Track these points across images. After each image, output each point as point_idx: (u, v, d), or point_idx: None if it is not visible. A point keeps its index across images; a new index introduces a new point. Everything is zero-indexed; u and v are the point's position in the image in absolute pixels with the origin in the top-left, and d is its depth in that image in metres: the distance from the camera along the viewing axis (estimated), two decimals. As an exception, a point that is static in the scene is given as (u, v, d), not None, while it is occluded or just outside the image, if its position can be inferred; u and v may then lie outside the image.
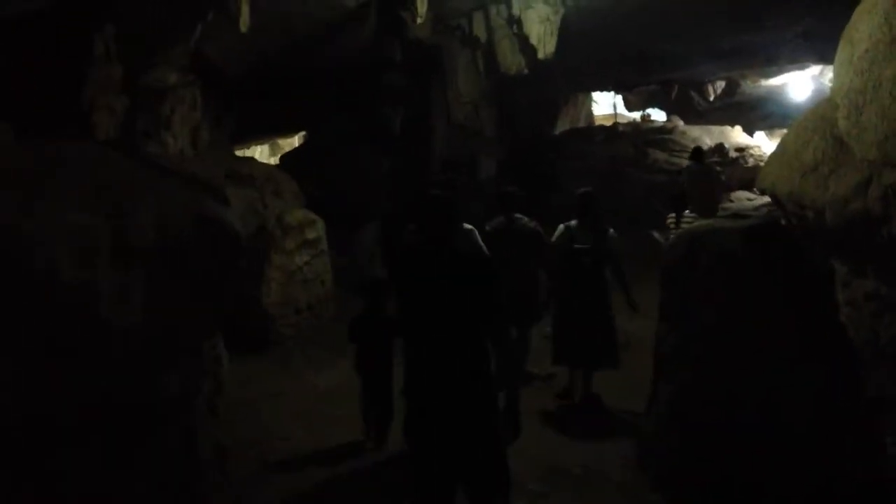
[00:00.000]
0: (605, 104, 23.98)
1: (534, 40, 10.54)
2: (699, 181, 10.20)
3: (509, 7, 10.73)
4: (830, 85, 17.12)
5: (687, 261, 3.85)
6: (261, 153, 22.34)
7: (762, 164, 16.49)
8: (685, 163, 15.30)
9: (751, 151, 16.14)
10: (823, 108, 5.91)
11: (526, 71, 11.22)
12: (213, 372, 4.45)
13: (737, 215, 4.66)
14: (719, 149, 16.15)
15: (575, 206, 6.00)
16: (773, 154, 6.30)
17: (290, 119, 15.37)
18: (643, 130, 17.51)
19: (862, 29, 5.66)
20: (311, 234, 8.55)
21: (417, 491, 3.17)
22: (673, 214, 7.82)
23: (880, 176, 5.11)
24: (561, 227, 6.00)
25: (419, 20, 10.07)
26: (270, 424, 5.71)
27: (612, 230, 5.98)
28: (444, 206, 3.28)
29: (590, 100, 20.38)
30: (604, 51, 11.73)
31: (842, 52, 5.96)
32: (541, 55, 10.63)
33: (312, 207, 9.32)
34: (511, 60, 11.09)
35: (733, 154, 15.95)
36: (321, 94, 12.94)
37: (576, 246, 5.80)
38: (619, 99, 23.04)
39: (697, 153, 10.88)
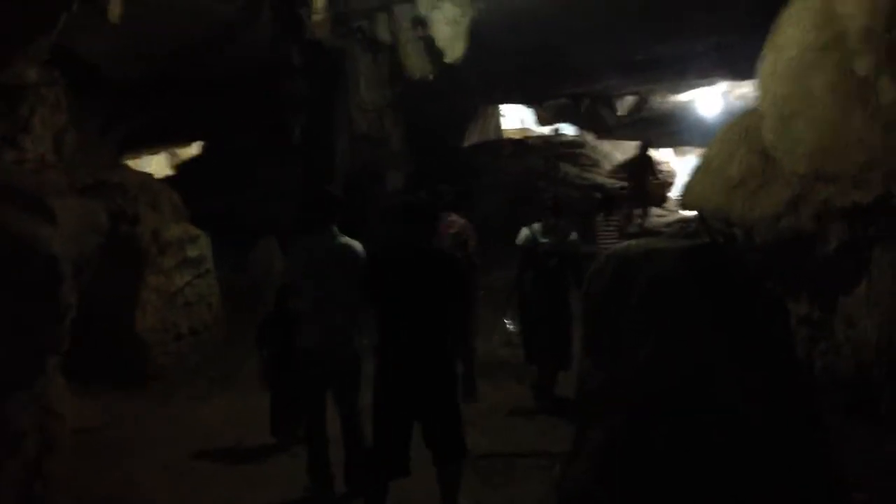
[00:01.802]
0: (514, 118, 23.79)
1: (441, 43, 10.04)
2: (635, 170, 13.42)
3: (414, 7, 10.17)
4: (737, 102, 17.44)
5: (616, 288, 3.33)
6: (157, 164, 21.07)
7: (671, 180, 16.71)
8: (597, 178, 15.30)
9: (661, 167, 16.15)
10: (748, 119, 5.61)
11: (432, 76, 10.69)
12: (41, 424, 3.66)
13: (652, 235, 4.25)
14: (629, 164, 16.09)
15: (544, 210, 6.35)
16: (697, 168, 5.97)
17: (187, 128, 14.56)
18: (554, 144, 17.38)
19: (789, 35, 5.37)
20: (192, 252, 7.75)
21: (379, 436, 3.84)
22: (602, 213, 8.88)
23: (812, 191, 4.77)
24: (524, 229, 6.25)
25: (315, 17, 9.37)
26: (131, 481, 4.86)
27: (574, 233, 6.26)
28: (427, 211, 4.08)
29: (499, 112, 20.08)
30: (514, 58, 11.34)
31: (767, 58, 5.67)
32: (448, 59, 10.12)
33: (206, 222, 8.52)
34: (417, 65, 10.52)
35: (643, 169, 15.88)
36: (219, 101, 12.17)
37: (542, 244, 6.07)
38: (529, 114, 22.91)
39: (642, 146, 13.90)
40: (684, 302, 3.10)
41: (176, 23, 9.38)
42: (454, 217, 6.33)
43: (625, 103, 18.53)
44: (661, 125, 19.70)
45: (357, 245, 4.62)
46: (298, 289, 4.73)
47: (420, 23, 10.36)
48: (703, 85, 15.55)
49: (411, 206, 4.10)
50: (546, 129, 21.40)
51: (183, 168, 16.24)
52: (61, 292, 3.63)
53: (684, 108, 18.54)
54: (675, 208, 13.75)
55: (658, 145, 18.87)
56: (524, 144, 17.21)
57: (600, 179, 15.10)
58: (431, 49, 10.46)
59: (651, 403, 3.29)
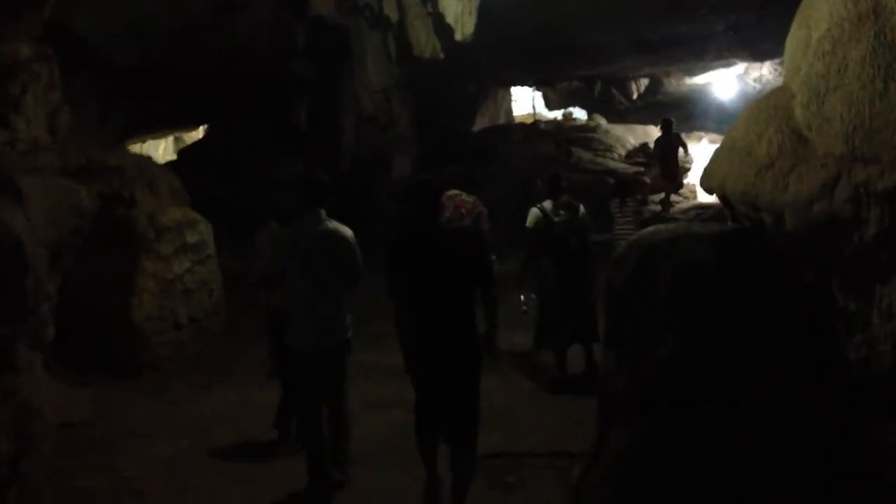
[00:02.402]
0: (524, 103, 23.42)
1: (450, 19, 9.71)
2: (663, 152, 12.34)
3: (423, -18, 9.85)
4: (755, 84, 17.05)
5: (641, 277, 3.04)
6: (164, 149, 20.84)
7: (686, 165, 16.34)
8: (610, 163, 14.94)
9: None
10: (777, 96, 5.24)
11: (442, 55, 10.35)
12: (17, 422, 3.38)
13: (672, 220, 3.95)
14: (644, 148, 15.74)
15: (545, 189, 6.25)
16: (720, 150, 5.59)
17: (190, 112, 14.27)
18: (565, 129, 17.01)
19: (821, 7, 5.01)
20: (192, 237, 7.49)
21: (418, 414, 3.98)
22: (617, 200, 8.39)
23: (849, 173, 4.43)
24: (534, 209, 6.09)
25: (320, -10, 9.05)
26: (118, 477, 4.61)
27: (582, 207, 6.19)
28: (431, 189, 4.02)
29: (509, 96, 19.74)
30: (525, 37, 10.96)
31: (796, 33, 5.31)
32: (458, 36, 9.79)
33: (208, 208, 8.28)
34: (425, 43, 10.19)
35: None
36: (222, 85, 11.87)
37: (558, 223, 5.94)
38: (538, 97, 22.54)
39: (666, 124, 12.48)
40: (715, 292, 2.80)
41: (175, 3, 9.09)
42: (465, 196, 6.20)
43: (638, 86, 18.17)
44: (677, 109, 19.31)
45: (346, 230, 4.44)
46: (283, 277, 4.47)
47: (429, -2, 10.01)
48: (719, 67, 15.15)
49: (412, 186, 4.14)
50: (557, 114, 21.04)
51: (185, 153, 15.93)
52: (27, 278, 3.33)
53: (700, 91, 18.16)
54: (691, 194, 13.35)
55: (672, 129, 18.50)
56: (535, 129, 16.87)
57: (613, 164, 14.75)
58: (441, 26, 10.13)
59: (677, 405, 3.02)
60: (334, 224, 4.43)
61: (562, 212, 6.05)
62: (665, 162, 12.63)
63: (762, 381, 2.66)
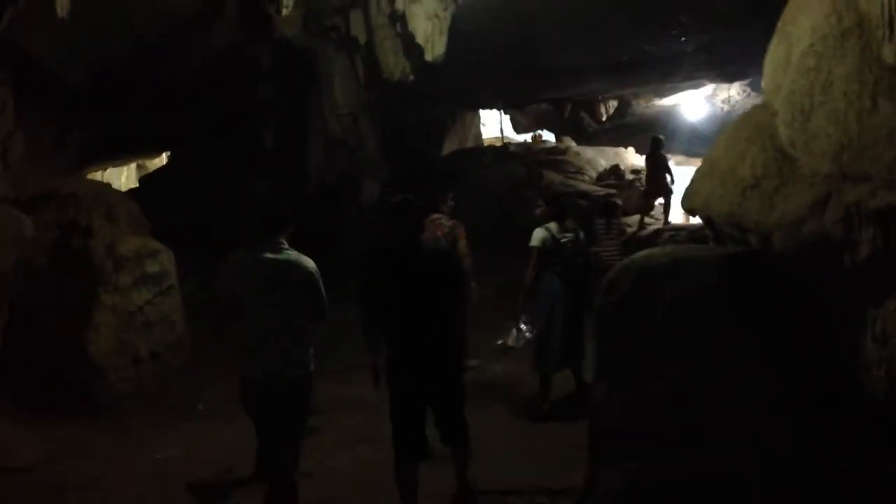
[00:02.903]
0: (492, 126, 23.37)
1: (420, 40, 9.54)
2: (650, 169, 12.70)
3: (392, 2, 9.63)
4: (723, 106, 17.13)
5: (637, 303, 2.84)
6: (127, 178, 20.32)
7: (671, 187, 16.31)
8: (581, 185, 14.87)
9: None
10: (758, 114, 5.15)
11: (411, 77, 10.17)
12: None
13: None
14: (615, 170, 15.71)
15: (550, 211, 6.37)
16: (701, 170, 5.48)
17: (152, 137, 13.86)
18: (535, 151, 16.95)
19: (802, 23, 4.93)
20: (152, 267, 7.18)
21: (397, 435, 4.03)
22: (603, 221, 8.56)
23: (839, 193, 4.30)
24: (539, 230, 6.15)
25: (285, 11, 8.79)
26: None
27: (581, 232, 6.45)
28: (415, 210, 4.23)
29: (478, 119, 19.66)
30: (496, 59, 10.86)
31: (776, 50, 5.23)
32: (429, 57, 9.61)
33: (171, 236, 7.99)
34: (395, 64, 10.00)
35: (629, 176, 15.52)
36: (184, 108, 11.55)
37: (564, 243, 6.08)
38: (506, 120, 22.49)
39: (655, 143, 12.70)
40: (722, 321, 2.61)
41: (130, 19, 8.84)
42: (443, 220, 6.45)
43: (607, 108, 18.20)
44: (645, 130, 19.39)
45: (307, 262, 4.26)
46: (241, 310, 4.24)
47: (398, 19, 9.80)
48: (689, 87, 15.20)
49: (399, 205, 4.27)
50: (526, 137, 20.99)
51: (147, 180, 15.52)
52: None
53: (668, 113, 18.24)
54: (660, 217, 13.34)
55: (641, 151, 18.55)
56: (505, 151, 16.79)
57: (584, 186, 14.67)
58: (410, 47, 9.95)
59: (679, 443, 2.81)
60: (296, 255, 4.26)
61: (567, 234, 6.23)
62: (654, 178, 12.84)
63: (778, 421, 2.46)
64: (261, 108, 11.20)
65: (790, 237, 4.47)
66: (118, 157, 15.58)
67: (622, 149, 17.67)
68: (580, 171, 15.75)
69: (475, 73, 11.35)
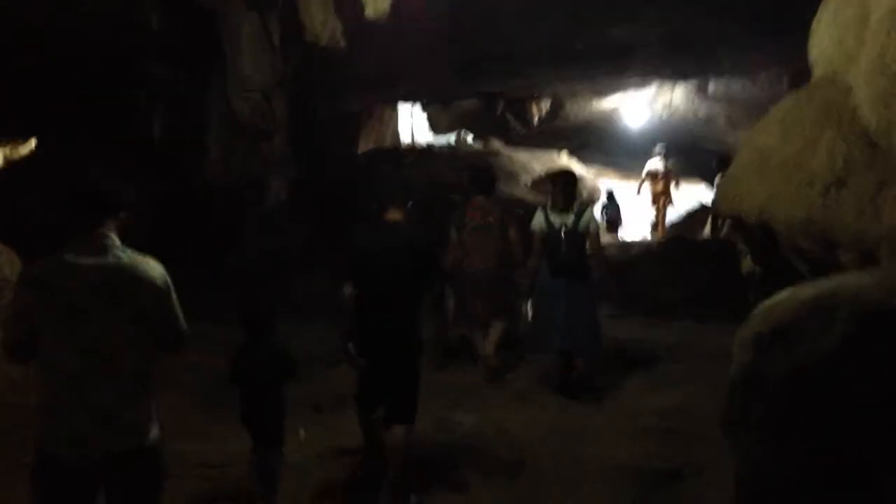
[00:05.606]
0: (402, 127, 21.99)
1: (360, -10, 8.05)
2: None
3: (321, -59, 8.11)
4: (663, 112, 16.42)
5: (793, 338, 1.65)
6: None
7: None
8: (516, 190, 13.83)
9: (584, 182, 14.90)
10: (822, 91, 4.08)
11: (342, 43, 8.61)
12: None
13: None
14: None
15: (552, 192, 6.29)
16: (741, 162, 4.37)
17: (13, 120, 12.03)
18: (463, 154, 15.81)
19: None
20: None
21: (360, 387, 4.54)
22: None
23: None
24: (539, 213, 6.20)
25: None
26: None
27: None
28: (402, 196, 4.70)
29: (397, 116, 18.35)
30: (435, 40, 9.60)
31: (841, 13, 4.16)
32: (370, 11, 8.11)
33: (36, 237, 6.45)
34: (322, 23, 8.37)
35: (565, 182, 14.57)
36: (55, 85, 9.92)
37: (555, 223, 6.04)
38: (422, 121, 21.26)
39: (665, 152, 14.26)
40: None
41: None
42: (482, 201, 6.51)
43: (539, 109, 17.20)
44: (577, 137, 18.58)
45: (152, 265, 2.89)
46: (34, 343, 2.79)
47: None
48: (637, 85, 14.40)
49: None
50: (448, 139, 19.75)
51: (10, 168, 13.59)
52: None
53: (606, 119, 17.41)
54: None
55: (575, 156, 17.72)
56: (430, 153, 15.63)
57: (520, 193, 13.63)
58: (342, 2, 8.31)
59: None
60: (131, 256, 2.85)
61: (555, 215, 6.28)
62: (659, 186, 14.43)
63: None
64: (149, 85, 9.55)
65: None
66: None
67: (555, 153, 16.76)
68: (513, 175, 14.71)
69: (407, 55, 9.98)
